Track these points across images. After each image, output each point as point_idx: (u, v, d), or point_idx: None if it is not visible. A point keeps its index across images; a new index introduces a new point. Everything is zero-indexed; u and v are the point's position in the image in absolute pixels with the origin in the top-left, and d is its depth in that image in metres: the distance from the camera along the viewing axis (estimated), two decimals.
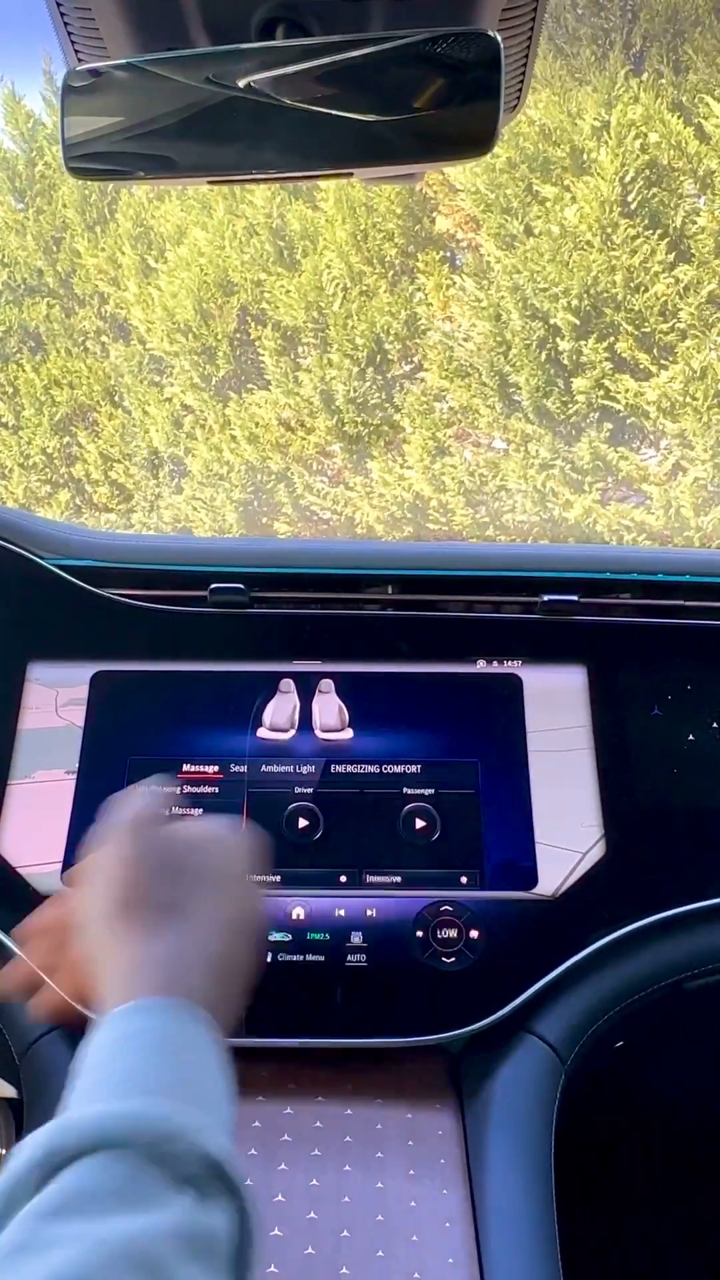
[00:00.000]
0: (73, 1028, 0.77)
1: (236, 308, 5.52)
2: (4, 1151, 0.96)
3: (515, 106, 0.74)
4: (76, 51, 0.67)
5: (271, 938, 0.79)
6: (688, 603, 0.95)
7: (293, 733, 0.87)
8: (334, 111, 0.59)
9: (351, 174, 0.64)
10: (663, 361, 4.66)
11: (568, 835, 0.83)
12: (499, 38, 0.57)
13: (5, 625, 0.92)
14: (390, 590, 0.96)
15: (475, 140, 0.59)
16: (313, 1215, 0.66)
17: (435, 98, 0.58)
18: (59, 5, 0.62)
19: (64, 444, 6.07)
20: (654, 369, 4.67)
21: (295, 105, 0.59)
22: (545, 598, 0.93)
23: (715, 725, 0.89)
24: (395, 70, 0.58)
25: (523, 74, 0.71)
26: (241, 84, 0.58)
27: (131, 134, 0.62)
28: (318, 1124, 0.73)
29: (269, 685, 0.89)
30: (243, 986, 0.53)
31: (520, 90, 0.73)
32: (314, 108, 0.59)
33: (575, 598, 0.93)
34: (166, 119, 0.61)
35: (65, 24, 0.64)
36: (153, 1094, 0.42)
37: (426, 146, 0.61)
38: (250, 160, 0.61)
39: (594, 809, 0.84)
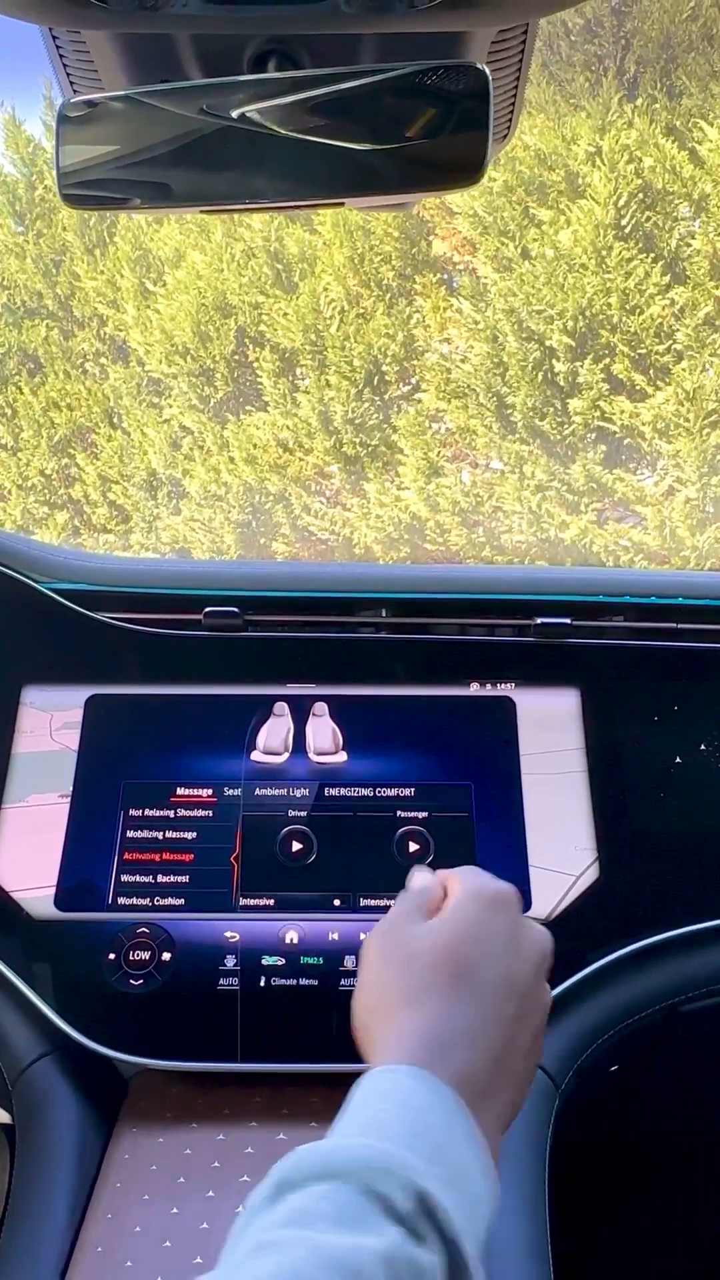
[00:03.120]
0: (65, 1055, 0.77)
1: (234, 330, 5.54)
2: None
3: (506, 136, 0.75)
4: (72, 83, 0.67)
5: (264, 961, 0.79)
6: (680, 625, 0.95)
7: (286, 756, 0.87)
8: (326, 141, 0.59)
9: (343, 203, 0.64)
10: (659, 383, 4.68)
11: (561, 858, 0.83)
12: (488, 70, 0.57)
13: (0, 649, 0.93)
14: (384, 613, 0.96)
15: (465, 170, 0.60)
16: None
17: (425, 129, 0.59)
18: (54, 38, 0.63)
19: (62, 465, 6.08)
20: (650, 390, 4.69)
21: (287, 136, 0.59)
22: (538, 620, 0.93)
23: (704, 748, 0.89)
24: (386, 102, 0.59)
25: (513, 104, 0.72)
26: (234, 115, 0.59)
27: (126, 164, 0.62)
28: None
29: (263, 708, 0.89)
30: (521, 1081, 0.53)
31: (510, 120, 0.74)
32: (306, 138, 0.59)
33: (568, 620, 0.93)
34: (160, 149, 0.61)
35: (61, 56, 0.65)
36: (384, 1140, 0.45)
37: (417, 176, 0.61)
38: (243, 190, 0.62)
39: (587, 832, 0.84)
